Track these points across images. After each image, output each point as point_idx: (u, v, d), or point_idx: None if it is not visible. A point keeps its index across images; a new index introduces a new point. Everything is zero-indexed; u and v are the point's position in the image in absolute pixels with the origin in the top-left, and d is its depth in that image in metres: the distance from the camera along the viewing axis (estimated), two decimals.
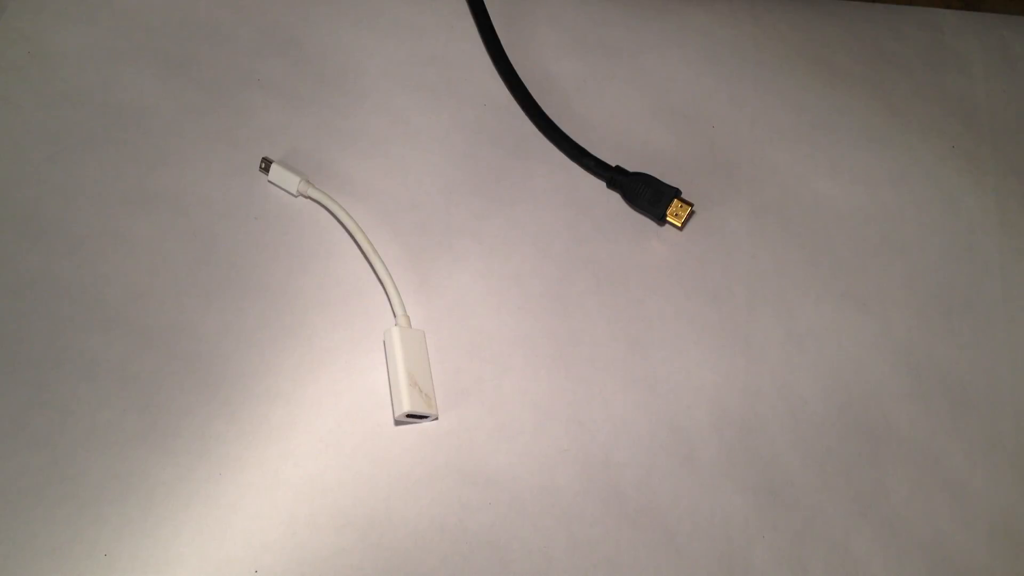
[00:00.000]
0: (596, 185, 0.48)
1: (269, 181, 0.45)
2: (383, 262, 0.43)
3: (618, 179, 0.47)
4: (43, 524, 0.38)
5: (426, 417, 0.41)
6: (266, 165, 0.45)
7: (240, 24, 0.50)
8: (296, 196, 0.45)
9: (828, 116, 0.52)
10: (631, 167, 0.48)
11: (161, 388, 0.41)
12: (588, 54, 0.52)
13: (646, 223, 0.47)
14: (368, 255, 0.43)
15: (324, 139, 0.47)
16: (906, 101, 0.53)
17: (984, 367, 0.46)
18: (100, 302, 0.42)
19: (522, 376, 0.43)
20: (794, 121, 0.51)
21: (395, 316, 0.42)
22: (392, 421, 0.41)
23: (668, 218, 0.47)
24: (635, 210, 0.48)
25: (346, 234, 0.45)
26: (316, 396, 0.41)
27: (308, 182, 0.45)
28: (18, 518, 0.38)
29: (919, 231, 0.49)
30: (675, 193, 0.47)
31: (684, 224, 0.47)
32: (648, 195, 0.47)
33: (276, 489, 0.40)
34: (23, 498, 0.38)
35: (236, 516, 0.39)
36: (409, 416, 0.40)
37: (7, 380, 0.40)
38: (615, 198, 0.48)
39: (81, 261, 0.43)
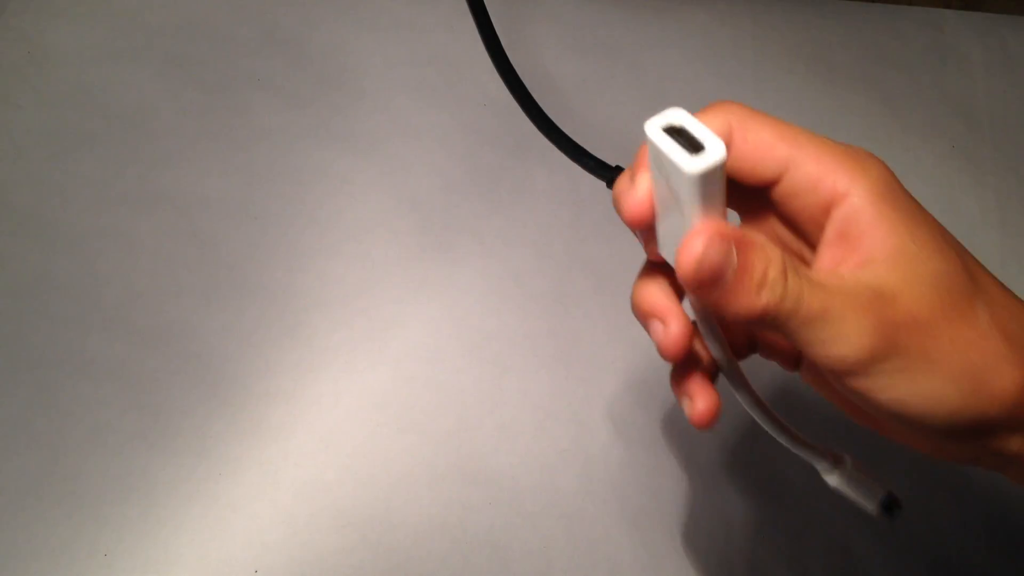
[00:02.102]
0: (596, 185, 0.48)
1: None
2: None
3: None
4: (43, 524, 0.38)
5: None
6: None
7: (240, 24, 0.50)
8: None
9: (828, 116, 0.52)
10: None
11: (161, 388, 0.41)
12: (588, 54, 0.52)
13: None
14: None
15: (324, 139, 0.47)
16: (906, 101, 0.53)
17: None
18: (100, 302, 0.42)
19: (522, 376, 0.43)
20: (794, 121, 0.51)
21: None
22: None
23: None
24: None
25: (345, 233, 0.45)
26: (316, 396, 0.41)
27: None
28: (18, 518, 0.38)
29: None
30: None
31: None
32: None
33: (276, 489, 0.39)
34: (23, 498, 0.38)
35: (236, 516, 0.39)
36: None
37: (7, 380, 0.40)
38: None
39: (81, 261, 0.43)
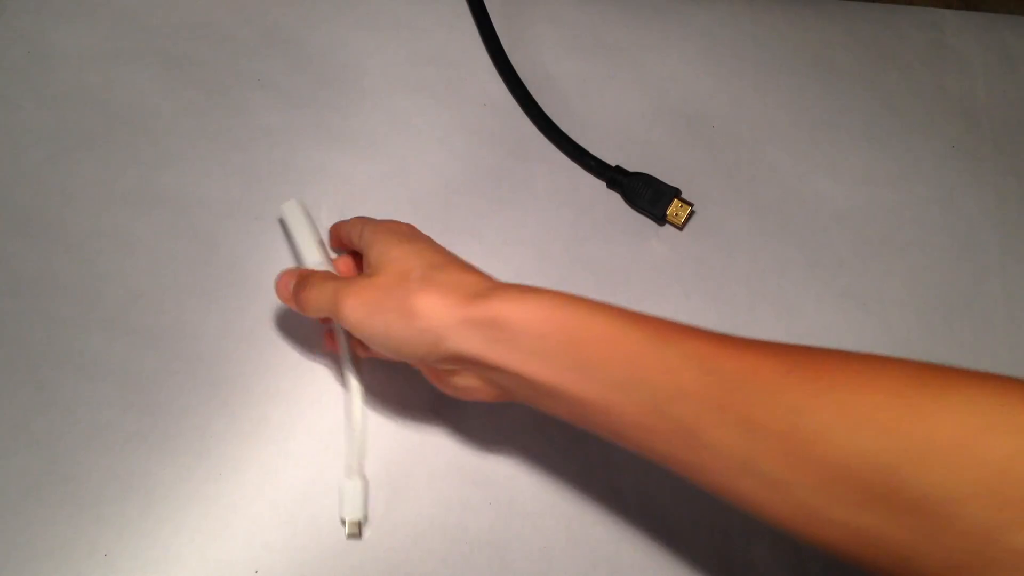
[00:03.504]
0: (596, 185, 0.48)
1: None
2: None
3: (618, 179, 0.47)
4: (43, 524, 0.38)
5: None
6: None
7: (240, 24, 0.50)
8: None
9: (828, 116, 0.52)
10: (631, 167, 0.48)
11: (161, 388, 0.41)
12: (588, 54, 0.52)
13: (646, 223, 0.48)
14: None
15: (324, 139, 0.47)
16: (906, 101, 0.53)
17: (984, 367, 0.46)
18: (100, 302, 0.42)
19: None
20: (794, 121, 0.51)
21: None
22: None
23: (668, 218, 0.47)
24: (635, 210, 0.48)
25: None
26: (316, 396, 0.41)
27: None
28: (18, 518, 0.38)
29: (919, 231, 0.49)
30: (675, 193, 0.47)
31: (684, 224, 0.47)
32: (648, 195, 0.47)
33: (276, 489, 0.40)
34: (23, 498, 0.38)
35: (236, 516, 0.39)
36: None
37: (7, 380, 0.40)
38: (615, 198, 0.48)
39: (81, 261, 0.43)
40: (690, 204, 0.47)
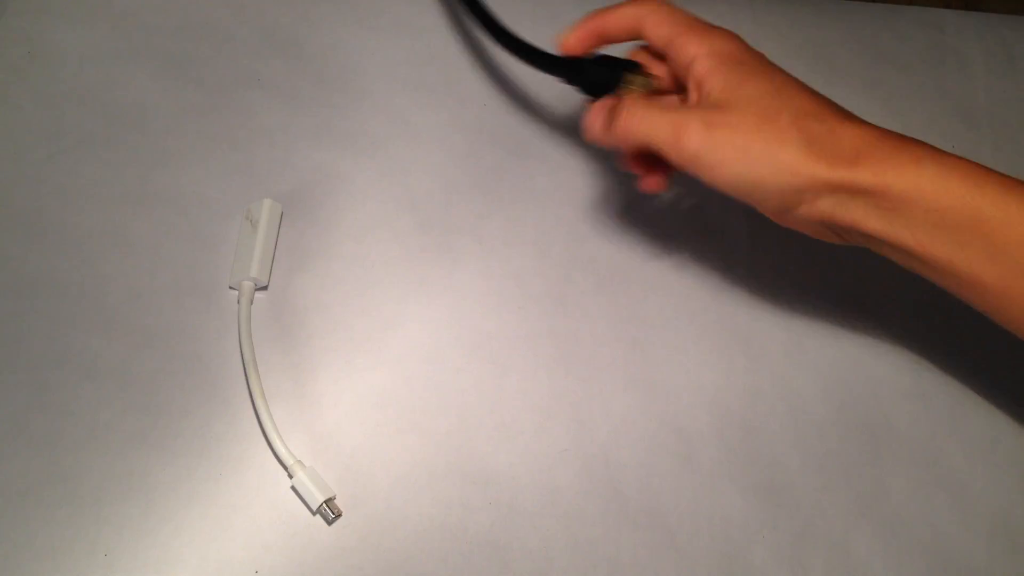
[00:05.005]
0: (596, 185, 0.48)
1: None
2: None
3: (576, 69, 0.41)
4: (43, 524, 0.38)
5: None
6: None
7: (240, 24, 0.50)
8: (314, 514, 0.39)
9: None
10: None
11: (161, 388, 0.41)
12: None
13: (647, 223, 0.47)
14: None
15: (324, 139, 0.47)
16: (906, 101, 0.53)
17: (985, 365, 0.46)
18: (100, 302, 0.42)
19: (522, 376, 0.43)
20: None
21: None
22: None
23: (627, 86, 0.38)
24: (595, 98, 0.40)
25: (345, 233, 0.45)
26: (316, 396, 0.41)
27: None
28: (18, 518, 0.38)
29: None
30: (635, 66, 0.39)
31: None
32: (605, 74, 0.39)
33: (276, 489, 0.40)
34: (23, 498, 0.38)
35: (236, 516, 0.39)
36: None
37: (7, 380, 0.40)
38: (615, 199, 0.48)
39: (81, 261, 0.43)
40: (649, 76, 0.39)
